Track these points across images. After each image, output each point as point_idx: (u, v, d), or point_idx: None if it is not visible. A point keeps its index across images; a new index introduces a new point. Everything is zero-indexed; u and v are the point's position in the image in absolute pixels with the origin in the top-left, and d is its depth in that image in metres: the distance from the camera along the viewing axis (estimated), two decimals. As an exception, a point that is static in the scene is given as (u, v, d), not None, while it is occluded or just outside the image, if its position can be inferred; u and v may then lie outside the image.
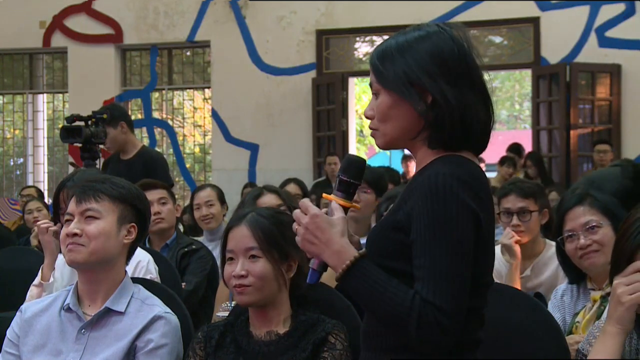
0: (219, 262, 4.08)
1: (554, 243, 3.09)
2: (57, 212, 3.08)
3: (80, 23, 10.79)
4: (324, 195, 1.84)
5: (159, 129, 11.09)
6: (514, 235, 3.44)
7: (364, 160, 1.84)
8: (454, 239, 1.69)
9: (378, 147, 1.90)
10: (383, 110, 1.82)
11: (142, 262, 3.12)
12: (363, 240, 3.33)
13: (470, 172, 1.75)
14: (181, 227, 5.54)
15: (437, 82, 1.77)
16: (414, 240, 1.71)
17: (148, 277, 3.05)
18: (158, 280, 3.13)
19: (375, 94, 1.84)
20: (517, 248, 3.42)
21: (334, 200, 1.81)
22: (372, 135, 1.88)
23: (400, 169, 10.73)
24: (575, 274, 2.85)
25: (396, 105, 1.80)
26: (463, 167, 1.75)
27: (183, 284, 3.82)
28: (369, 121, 1.87)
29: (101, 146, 5.29)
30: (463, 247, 1.70)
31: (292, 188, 5.63)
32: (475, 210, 1.71)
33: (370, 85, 1.87)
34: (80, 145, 5.16)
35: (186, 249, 4.07)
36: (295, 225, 1.80)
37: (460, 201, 1.69)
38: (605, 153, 8.39)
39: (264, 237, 2.29)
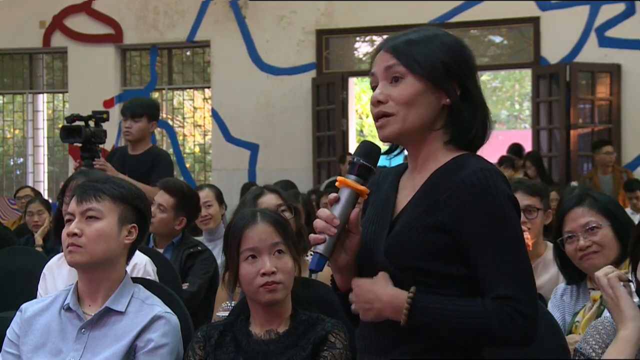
0: (219, 262, 4.12)
1: (555, 246, 3.08)
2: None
3: (80, 23, 10.79)
4: (339, 178, 1.77)
5: (159, 129, 11.08)
6: (528, 237, 3.41)
7: (380, 148, 1.81)
8: (515, 233, 1.73)
9: (384, 136, 1.80)
10: (411, 95, 1.76)
11: (139, 265, 3.09)
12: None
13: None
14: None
15: (471, 77, 1.80)
16: (474, 240, 1.70)
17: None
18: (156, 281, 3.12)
19: (396, 78, 1.78)
20: None
21: (350, 184, 1.74)
22: (382, 122, 1.79)
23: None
24: (574, 275, 2.85)
25: (426, 93, 1.77)
26: (492, 164, 1.78)
27: (185, 284, 3.82)
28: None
29: (101, 146, 5.28)
30: (521, 239, 1.74)
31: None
32: (517, 203, 1.76)
33: (387, 68, 1.78)
34: (80, 145, 5.15)
35: (192, 250, 4.07)
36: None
37: (509, 196, 1.73)
38: (613, 154, 8.50)
39: (286, 232, 2.29)
